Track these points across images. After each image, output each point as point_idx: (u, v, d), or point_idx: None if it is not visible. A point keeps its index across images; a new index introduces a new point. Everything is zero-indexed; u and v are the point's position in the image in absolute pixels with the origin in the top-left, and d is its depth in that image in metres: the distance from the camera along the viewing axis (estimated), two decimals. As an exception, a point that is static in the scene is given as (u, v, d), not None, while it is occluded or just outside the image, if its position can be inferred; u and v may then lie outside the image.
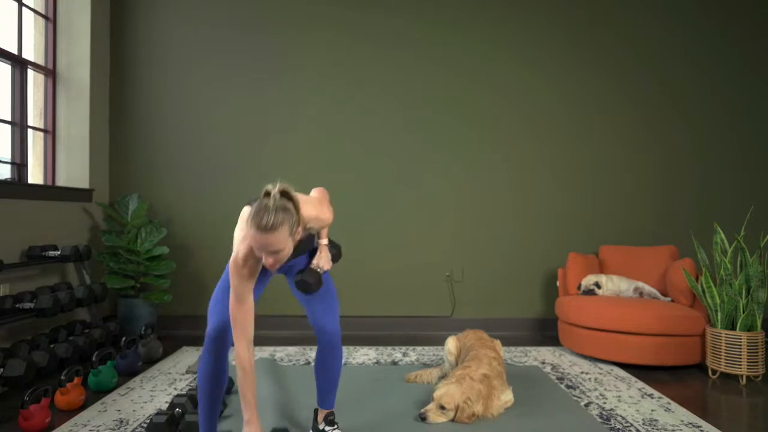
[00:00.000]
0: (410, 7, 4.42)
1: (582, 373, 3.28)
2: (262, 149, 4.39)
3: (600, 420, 2.50)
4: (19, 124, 3.62)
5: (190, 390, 2.71)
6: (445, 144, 4.43)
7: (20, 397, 2.75)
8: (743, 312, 3.13)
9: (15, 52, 3.60)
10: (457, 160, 4.43)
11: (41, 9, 3.95)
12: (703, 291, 3.29)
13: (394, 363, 3.46)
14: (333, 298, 2.12)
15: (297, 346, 3.88)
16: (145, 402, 2.71)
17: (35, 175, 3.91)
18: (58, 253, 3.42)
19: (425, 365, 3.38)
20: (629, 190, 4.47)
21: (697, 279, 3.46)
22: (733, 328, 3.19)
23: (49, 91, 3.99)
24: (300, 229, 1.74)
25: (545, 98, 4.46)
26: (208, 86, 4.39)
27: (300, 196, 1.80)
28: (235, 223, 1.95)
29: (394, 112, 4.42)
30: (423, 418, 2.44)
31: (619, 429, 2.39)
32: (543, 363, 3.50)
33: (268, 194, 1.69)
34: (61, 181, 4.03)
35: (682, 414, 2.60)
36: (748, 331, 3.12)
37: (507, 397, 2.60)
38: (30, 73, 3.82)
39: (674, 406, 2.71)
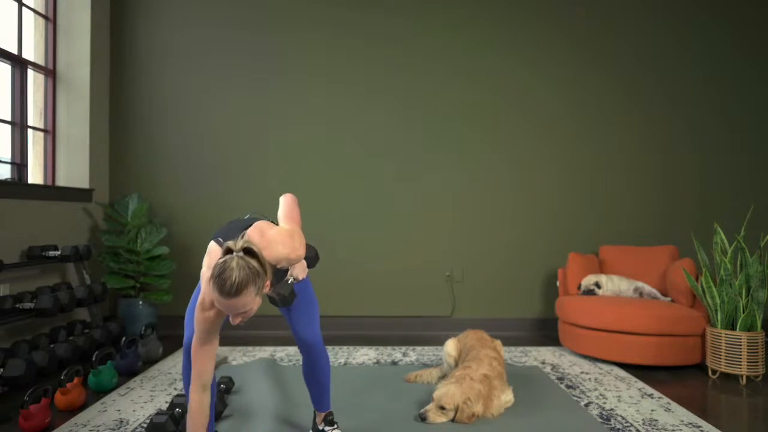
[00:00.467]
0: (410, 8, 4.42)
1: (582, 373, 3.28)
2: (262, 149, 4.39)
3: (600, 420, 2.50)
4: (19, 124, 3.62)
5: (190, 390, 2.71)
6: (445, 144, 4.43)
7: (20, 397, 2.76)
8: (743, 312, 3.13)
9: (15, 52, 3.60)
10: (457, 160, 4.43)
11: (41, 9, 3.95)
12: (703, 291, 3.28)
13: (394, 363, 3.46)
14: (312, 306, 2.04)
15: (297, 346, 3.88)
16: (145, 402, 2.71)
17: (35, 175, 3.91)
18: (58, 253, 3.41)
19: (425, 365, 3.38)
20: (629, 190, 4.47)
21: (697, 279, 3.46)
22: (733, 328, 3.19)
23: (49, 91, 3.99)
24: (268, 282, 1.59)
25: (545, 98, 4.46)
26: (208, 86, 4.39)
27: (268, 235, 1.66)
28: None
29: (395, 112, 4.42)
30: (423, 419, 2.44)
31: (619, 429, 2.39)
32: (543, 363, 3.50)
33: (229, 251, 1.52)
34: (61, 181, 4.03)
35: (682, 414, 2.60)
36: (748, 331, 3.12)
37: (507, 397, 2.60)
38: (30, 73, 3.82)
39: (674, 406, 2.71)
